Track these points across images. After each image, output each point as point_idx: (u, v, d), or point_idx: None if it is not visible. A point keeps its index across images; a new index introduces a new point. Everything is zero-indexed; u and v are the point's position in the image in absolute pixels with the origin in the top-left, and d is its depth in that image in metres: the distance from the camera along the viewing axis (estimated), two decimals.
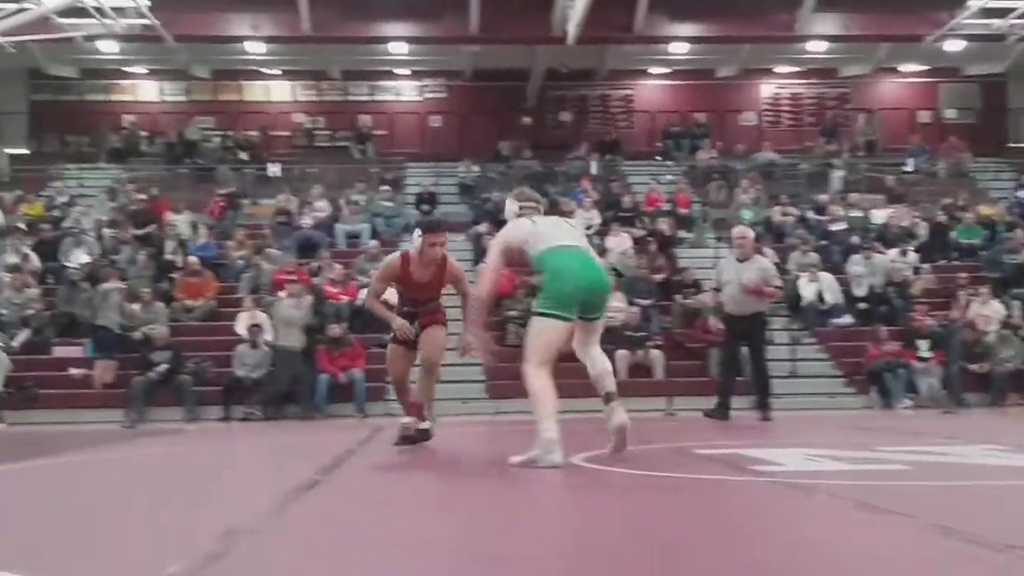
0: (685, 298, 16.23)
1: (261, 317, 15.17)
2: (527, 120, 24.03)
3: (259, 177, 21.44)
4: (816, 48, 22.40)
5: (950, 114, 24.89)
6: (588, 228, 18.98)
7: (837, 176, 21.42)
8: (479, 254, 17.35)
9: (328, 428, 12.22)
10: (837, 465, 5.89)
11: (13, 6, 16.00)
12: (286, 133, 24.29)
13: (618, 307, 14.00)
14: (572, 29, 18.79)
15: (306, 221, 18.83)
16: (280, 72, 24.02)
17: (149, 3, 16.63)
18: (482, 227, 17.75)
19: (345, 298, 15.74)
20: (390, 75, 24.50)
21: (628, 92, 25.04)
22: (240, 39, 21.05)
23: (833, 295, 16.62)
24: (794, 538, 3.53)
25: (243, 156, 22.33)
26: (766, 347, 11.50)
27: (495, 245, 6.32)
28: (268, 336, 14.90)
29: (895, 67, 24.33)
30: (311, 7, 19.40)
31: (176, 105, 24.32)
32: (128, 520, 4.32)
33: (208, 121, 23.92)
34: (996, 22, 19.86)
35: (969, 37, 20.98)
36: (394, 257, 7.53)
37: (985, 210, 19.70)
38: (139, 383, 14.31)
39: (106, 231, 18.19)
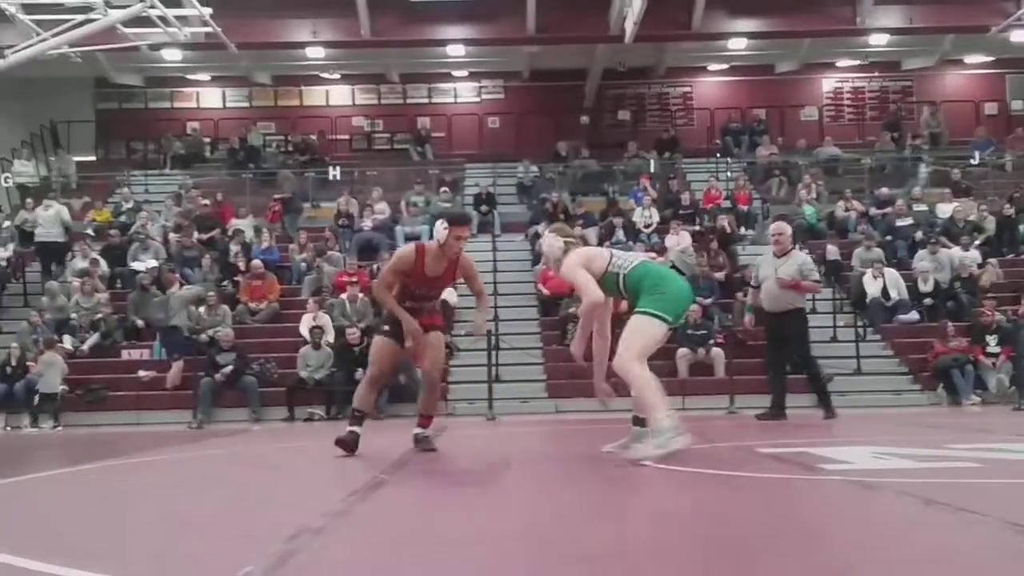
0: (746, 295, 16.08)
1: (324, 319, 15.36)
2: (585, 119, 24.03)
3: (320, 180, 21.67)
4: (878, 41, 22.07)
5: (1017, 105, 24.42)
6: (647, 227, 18.97)
7: (924, 171, 21.02)
8: (537, 255, 17.39)
9: (391, 428, 12.29)
10: (906, 463, 5.82)
11: (80, 17, 16.32)
12: (346, 137, 24.54)
13: None
14: (630, 27, 18.71)
15: (366, 223, 19.00)
16: (339, 76, 24.24)
17: (212, 11, 16.87)
18: (541, 227, 17.76)
19: None
20: (448, 77, 24.64)
21: (686, 89, 24.93)
22: (300, 45, 21.28)
23: (898, 291, 16.39)
24: (864, 536, 3.49)
25: (301, 159, 22.58)
26: (808, 344, 11.27)
27: (576, 267, 6.24)
28: (330, 337, 15.08)
29: (960, 59, 23.91)
30: (370, 12, 19.57)
31: (238, 111, 24.71)
32: (200, 520, 4.39)
33: (269, 126, 24.28)
34: None
35: None
36: (409, 248, 7.15)
37: None
38: (206, 384, 14.55)
39: (172, 236, 18.51)
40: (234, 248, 17.89)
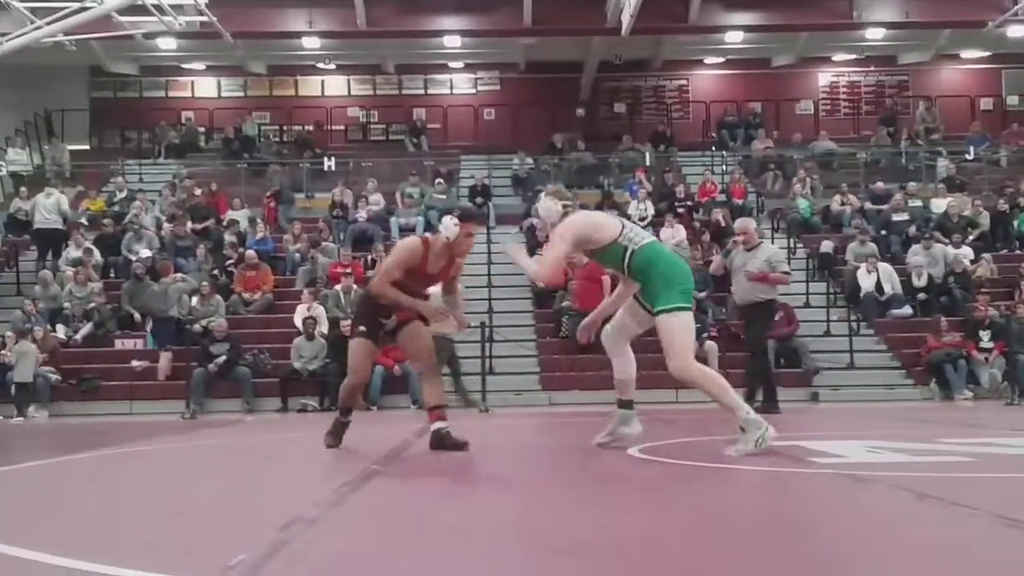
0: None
1: (318, 310, 15.34)
2: (581, 112, 24.00)
3: (314, 171, 21.64)
4: (874, 35, 22.06)
5: (1013, 101, 24.44)
6: (642, 220, 18.96)
7: (943, 165, 21.00)
8: (533, 246, 17.37)
9: (383, 420, 12.32)
10: (898, 457, 5.84)
11: (75, 4, 16.27)
12: (341, 127, 24.49)
13: None
14: (626, 20, 18.68)
15: (361, 215, 18.98)
16: (335, 67, 24.20)
17: (207, 0, 16.83)
18: (536, 220, 17.74)
19: None
20: (444, 68, 24.59)
21: (682, 82, 24.90)
22: (296, 35, 21.22)
23: (892, 286, 16.41)
24: (857, 530, 3.50)
25: (293, 151, 22.55)
26: (765, 337, 11.29)
27: (566, 235, 5.95)
28: (323, 328, 15.07)
29: (956, 54, 23.91)
30: (366, 2, 19.51)
31: (233, 101, 24.63)
32: (193, 509, 4.40)
33: (264, 116, 24.24)
34: None
35: None
36: (414, 242, 6.77)
37: None
38: (199, 375, 14.53)
39: (166, 225, 18.47)
40: (229, 238, 17.86)
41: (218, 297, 16.05)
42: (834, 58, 24.48)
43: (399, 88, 24.75)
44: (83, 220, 18.91)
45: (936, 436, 7.15)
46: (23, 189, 19.79)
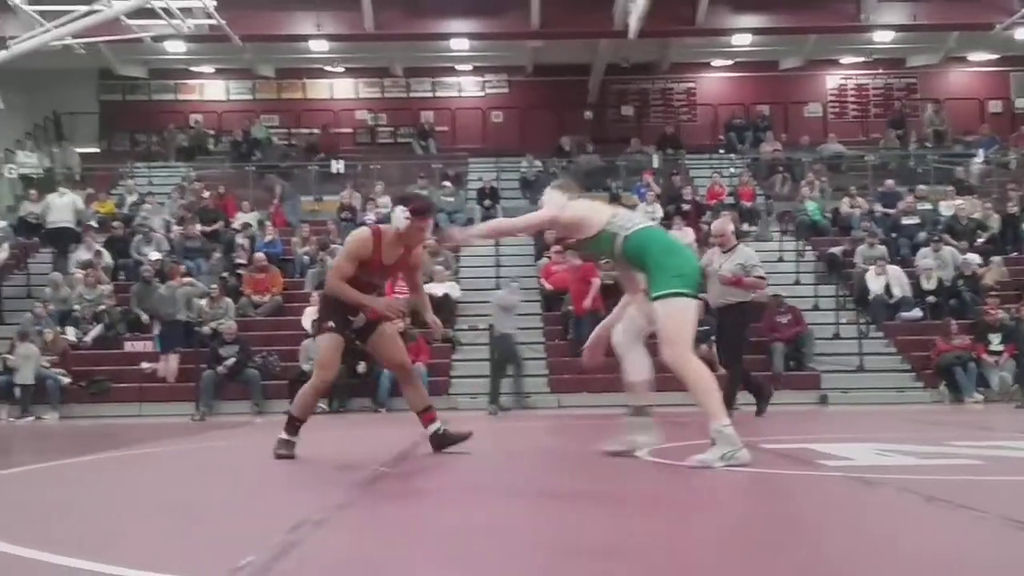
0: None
1: None
2: (588, 115, 24.00)
3: (323, 174, 21.67)
4: (882, 38, 22.05)
5: (1021, 103, 24.38)
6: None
7: (976, 164, 20.89)
8: (540, 248, 17.38)
9: (392, 422, 12.32)
10: (907, 460, 5.82)
11: (84, 8, 16.32)
12: (349, 130, 24.53)
13: None
14: (634, 23, 18.69)
15: (369, 217, 18.95)
16: (343, 70, 24.24)
17: (215, 3, 16.87)
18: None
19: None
20: (452, 71, 24.62)
21: (690, 85, 24.90)
22: (304, 38, 21.29)
23: (901, 288, 16.37)
24: (864, 533, 3.50)
25: (298, 154, 22.56)
26: (741, 342, 11.20)
27: (553, 211, 5.87)
28: None
29: (964, 56, 23.87)
30: (374, 5, 19.55)
31: (242, 104, 24.71)
32: (201, 510, 4.40)
33: (273, 119, 24.29)
34: None
35: None
36: (364, 232, 6.44)
37: None
38: (208, 377, 14.57)
39: (175, 228, 18.51)
40: (240, 241, 17.91)
41: (227, 300, 16.09)
42: (842, 61, 24.47)
43: (407, 91, 24.79)
44: (93, 223, 18.96)
45: (945, 439, 7.13)
46: (33, 192, 19.84)
